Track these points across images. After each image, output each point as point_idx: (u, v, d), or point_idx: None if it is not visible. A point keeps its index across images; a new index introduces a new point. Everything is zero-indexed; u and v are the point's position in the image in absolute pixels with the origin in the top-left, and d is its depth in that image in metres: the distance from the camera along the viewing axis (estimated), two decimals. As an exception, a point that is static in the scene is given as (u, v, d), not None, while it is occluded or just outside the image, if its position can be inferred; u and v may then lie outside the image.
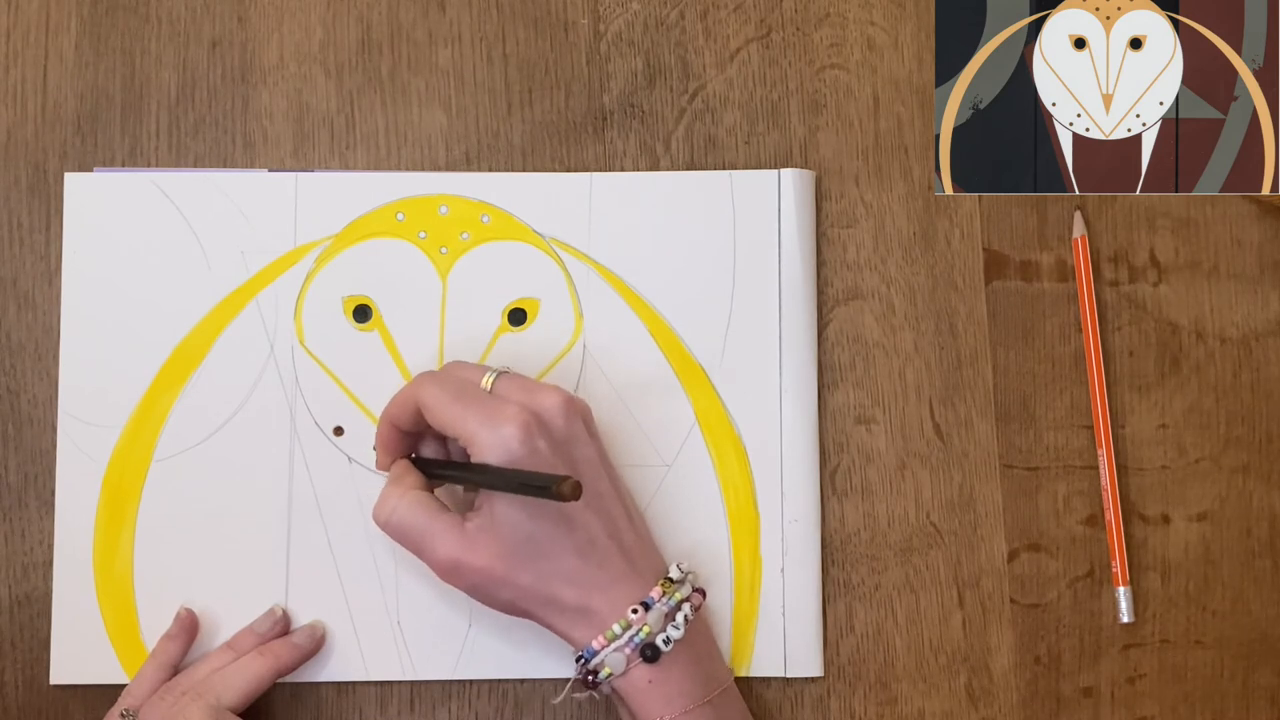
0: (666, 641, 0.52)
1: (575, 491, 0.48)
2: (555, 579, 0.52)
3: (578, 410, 0.53)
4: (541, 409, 0.52)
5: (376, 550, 0.58)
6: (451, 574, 0.52)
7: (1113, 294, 0.62)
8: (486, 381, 0.53)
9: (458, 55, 0.62)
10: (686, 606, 0.53)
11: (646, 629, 0.52)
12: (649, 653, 0.51)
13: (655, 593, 0.53)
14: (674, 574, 0.54)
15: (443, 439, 0.56)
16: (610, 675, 0.52)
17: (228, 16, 0.61)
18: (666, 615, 0.52)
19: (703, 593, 0.55)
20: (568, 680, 0.58)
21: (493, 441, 0.50)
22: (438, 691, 0.58)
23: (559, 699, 0.54)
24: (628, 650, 0.51)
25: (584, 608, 0.52)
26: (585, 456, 0.53)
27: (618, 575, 0.52)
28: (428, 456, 0.56)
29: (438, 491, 0.55)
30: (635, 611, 0.52)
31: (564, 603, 0.52)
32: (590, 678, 0.52)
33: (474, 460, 0.51)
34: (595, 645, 0.52)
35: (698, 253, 0.60)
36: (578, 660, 0.52)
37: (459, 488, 0.57)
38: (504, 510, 0.51)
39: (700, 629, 0.55)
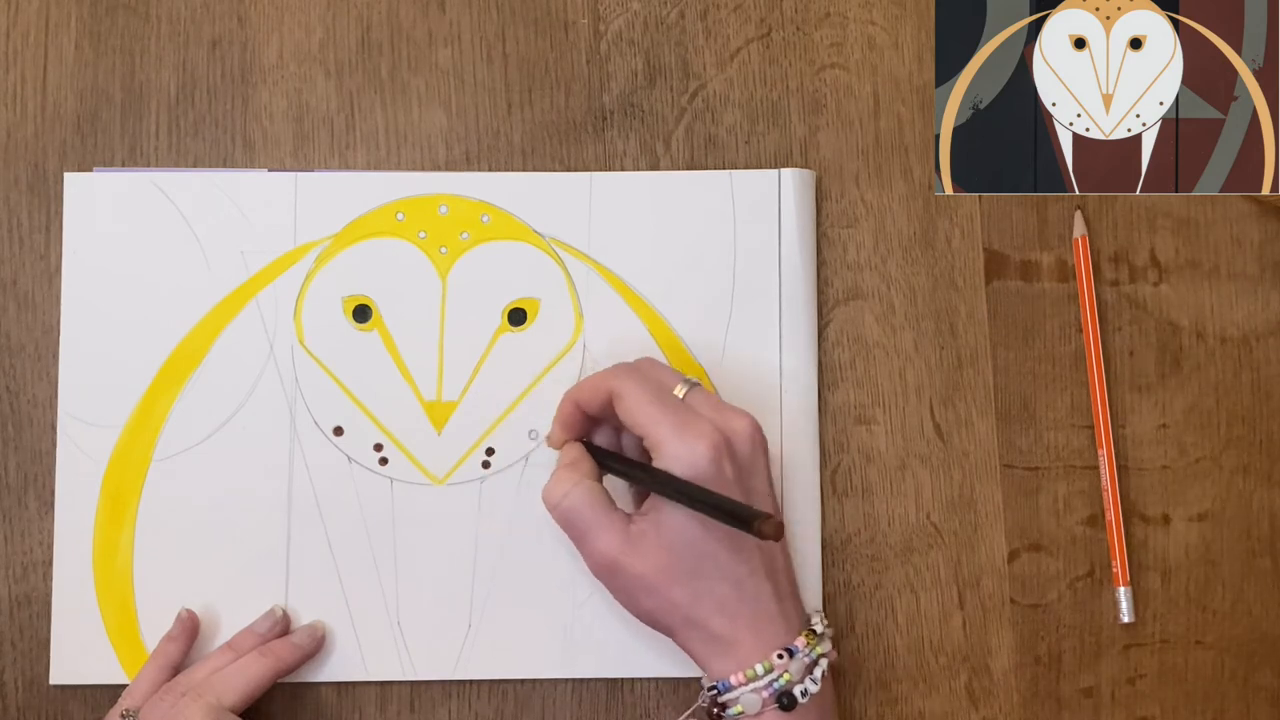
0: (804, 694, 0.51)
1: (778, 533, 0.47)
2: (707, 602, 0.51)
3: (761, 442, 0.53)
4: (733, 432, 0.52)
5: (376, 550, 0.58)
6: (606, 572, 0.52)
7: (1113, 294, 0.62)
8: (680, 390, 0.53)
9: (458, 55, 0.62)
10: (824, 662, 0.52)
11: (787, 676, 0.51)
12: (785, 701, 0.51)
13: (800, 642, 0.52)
14: (817, 626, 0.53)
15: (617, 430, 0.56)
16: (741, 714, 0.51)
17: (228, 16, 0.61)
18: (807, 667, 0.52)
19: (836, 650, 0.55)
20: (565, 680, 0.58)
21: (682, 453, 0.50)
22: (438, 691, 0.58)
23: None
24: (765, 694, 0.51)
25: (728, 639, 0.51)
26: (759, 489, 0.53)
27: (767, 616, 0.52)
28: (599, 445, 0.56)
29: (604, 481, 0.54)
30: (780, 657, 0.51)
31: (709, 629, 0.51)
32: (718, 710, 0.52)
33: (656, 465, 0.51)
34: (733, 681, 0.51)
35: (698, 253, 0.60)
36: (709, 690, 0.52)
37: (621, 482, 0.56)
38: (674, 522, 0.51)
39: (828, 688, 0.53)
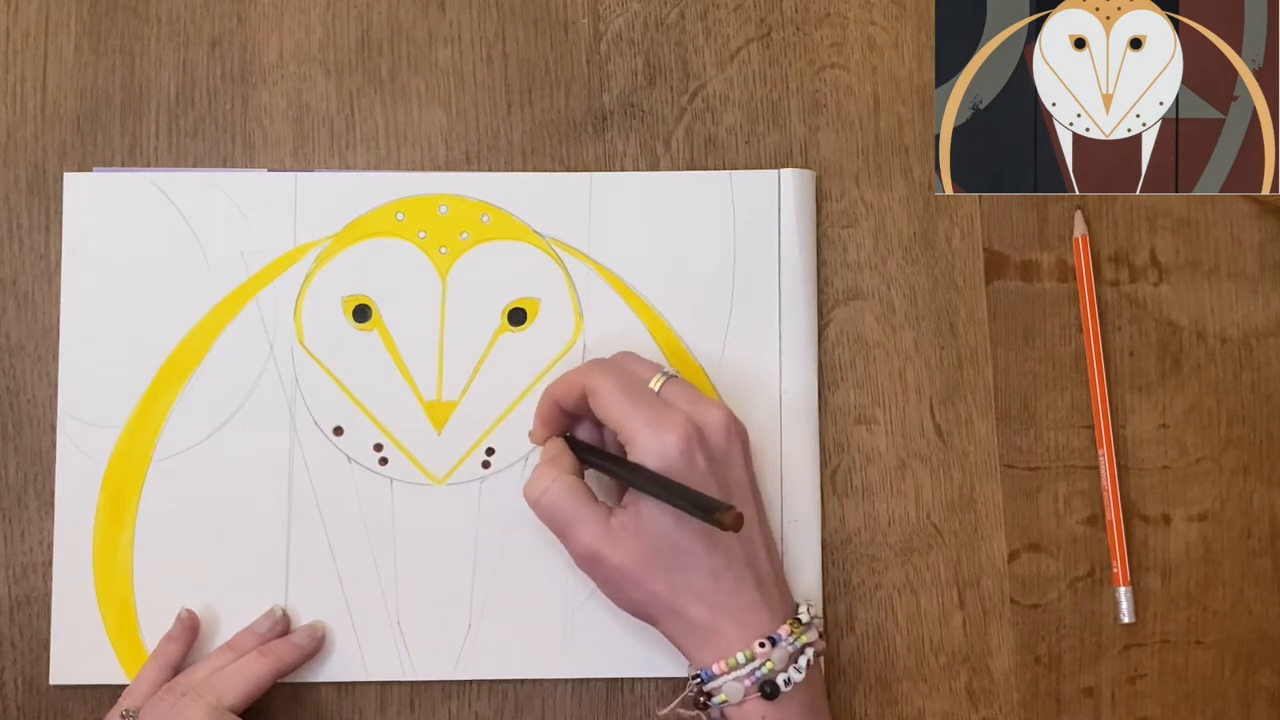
0: (787, 682, 0.51)
1: (736, 523, 0.48)
2: (687, 593, 0.51)
3: (738, 432, 0.53)
4: (705, 423, 0.52)
5: (376, 550, 0.58)
6: (589, 564, 0.53)
7: (1113, 294, 0.62)
8: (655, 382, 0.54)
9: (458, 55, 0.62)
10: (810, 651, 0.52)
11: (770, 665, 0.51)
12: (768, 689, 0.51)
13: (783, 631, 0.52)
14: (803, 616, 0.53)
15: (599, 425, 0.56)
16: (724, 702, 0.51)
17: (228, 16, 0.61)
18: (790, 656, 0.52)
19: (825, 639, 0.55)
20: (565, 680, 0.58)
21: (653, 446, 0.51)
22: (438, 691, 0.58)
23: (665, 712, 0.53)
24: (747, 682, 0.51)
25: (710, 628, 0.52)
26: (737, 479, 0.53)
27: (749, 604, 0.52)
28: (581, 440, 0.56)
29: (586, 476, 0.55)
30: (762, 645, 0.51)
31: (691, 618, 0.52)
32: (703, 699, 0.52)
33: (630, 458, 0.51)
34: (715, 669, 0.51)
35: (698, 253, 0.60)
36: (693, 678, 0.52)
37: (605, 476, 0.56)
38: (651, 515, 0.51)
39: (816, 677, 0.54)
